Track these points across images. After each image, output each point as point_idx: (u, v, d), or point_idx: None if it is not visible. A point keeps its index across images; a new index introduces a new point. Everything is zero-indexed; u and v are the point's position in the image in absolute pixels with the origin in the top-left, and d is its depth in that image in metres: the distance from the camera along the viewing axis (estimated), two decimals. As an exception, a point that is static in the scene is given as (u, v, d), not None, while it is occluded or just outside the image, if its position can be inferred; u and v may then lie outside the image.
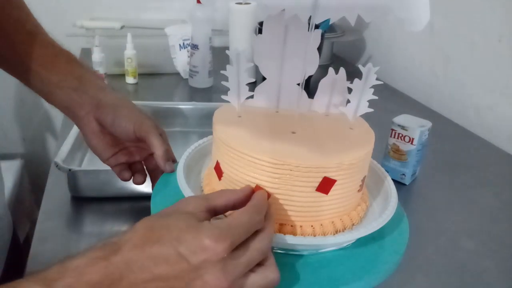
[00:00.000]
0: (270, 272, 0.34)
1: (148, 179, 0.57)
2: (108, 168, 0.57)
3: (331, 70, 0.47)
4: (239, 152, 0.41)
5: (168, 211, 0.35)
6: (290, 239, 0.39)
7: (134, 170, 0.58)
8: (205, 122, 0.91)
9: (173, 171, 0.51)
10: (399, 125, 0.73)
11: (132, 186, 0.65)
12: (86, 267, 0.30)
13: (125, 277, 0.30)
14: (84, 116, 0.53)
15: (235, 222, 0.34)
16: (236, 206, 0.38)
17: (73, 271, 0.29)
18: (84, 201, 0.66)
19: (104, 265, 0.30)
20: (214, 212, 0.37)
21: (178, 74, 1.20)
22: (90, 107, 0.53)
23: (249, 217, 0.35)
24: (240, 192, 0.39)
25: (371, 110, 0.46)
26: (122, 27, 1.22)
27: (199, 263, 0.31)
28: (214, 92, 1.12)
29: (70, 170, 0.63)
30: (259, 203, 0.37)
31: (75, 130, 0.73)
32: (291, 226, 0.42)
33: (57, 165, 0.63)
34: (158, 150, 0.51)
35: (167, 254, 0.31)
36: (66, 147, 0.68)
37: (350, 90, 0.46)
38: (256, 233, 0.35)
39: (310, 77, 0.51)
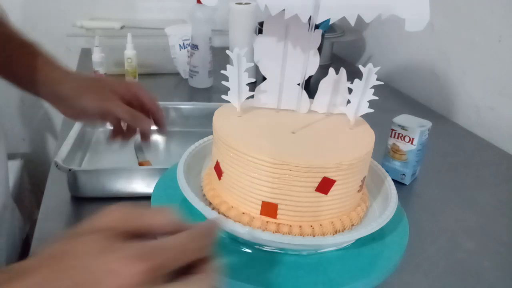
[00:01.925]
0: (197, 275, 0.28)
1: None
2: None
3: (331, 70, 0.47)
4: (239, 152, 0.41)
5: (82, 229, 0.29)
6: (289, 239, 0.39)
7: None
8: (205, 122, 0.91)
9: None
10: (399, 125, 0.73)
11: (132, 186, 0.65)
12: None
13: None
14: (59, 108, 0.57)
15: (162, 244, 0.28)
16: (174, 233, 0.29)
17: None
18: (84, 201, 0.66)
19: None
20: (140, 234, 0.29)
21: (178, 74, 1.20)
22: (56, 101, 0.57)
23: (184, 241, 0.28)
24: (184, 223, 0.30)
25: (371, 110, 0.46)
26: (122, 27, 1.22)
27: None
28: (214, 92, 1.12)
29: (70, 170, 0.63)
30: (204, 229, 0.30)
31: (75, 130, 0.73)
32: (290, 226, 0.42)
33: (57, 165, 0.63)
34: (142, 127, 0.58)
35: (72, 285, 0.26)
36: (66, 147, 0.68)
37: (350, 90, 0.46)
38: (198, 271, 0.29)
39: (310, 77, 0.51)
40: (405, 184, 0.76)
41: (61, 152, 0.67)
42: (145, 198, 0.63)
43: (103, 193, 0.66)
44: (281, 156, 0.39)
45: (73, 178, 0.65)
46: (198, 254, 0.29)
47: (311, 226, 0.42)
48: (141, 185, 0.65)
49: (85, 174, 0.65)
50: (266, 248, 0.42)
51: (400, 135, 0.73)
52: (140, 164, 0.76)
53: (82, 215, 0.65)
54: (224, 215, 0.42)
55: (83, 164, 0.75)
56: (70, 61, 1.30)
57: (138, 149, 0.82)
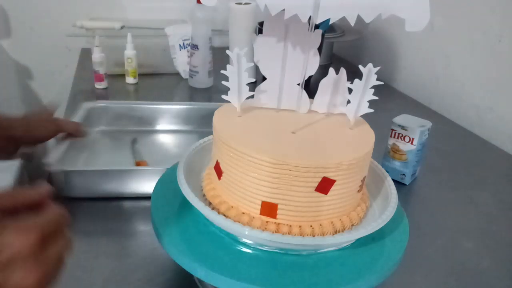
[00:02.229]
0: (61, 239, 0.33)
1: None
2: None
3: (331, 70, 0.47)
4: (238, 152, 0.41)
5: None
6: (289, 239, 0.39)
7: None
8: (205, 122, 0.91)
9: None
10: (399, 125, 0.73)
11: (132, 186, 0.65)
12: None
13: None
14: None
15: (43, 216, 0.32)
16: (30, 206, 0.33)
17: None
18: (82, 201, 0.66)
19: None
20: (12, 211, 0.32)
21: (178, 74, 1.20)
22: None
23: (55, 216, 0.33)
24: (33, 193, 0.34)
25: (371, 110, 0.46)
26: (122, 27, 1.22)
27: (7, 261, 0.28)
28: (214, 92, 1.12)
29: (64, 170, 0.64)
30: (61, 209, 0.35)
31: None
32: (290, 226, 0.42)
33: (51, 166, 0.63)
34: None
35: None
36: (61, 147, 0.69)
37: (350, 90, 0.46)
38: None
39: (310, 77, 0.51)
40: (405, 184, 0.76)
41: (55, 152, 0.67)
42: (145, 198, 0.63)
43: (103, 193, 0.66)
44: (281, 156, 0.39)
45: (67, 179, 0.65)
46: (67, 223, 0.34)
47: (311, 226, 0.42)
48: (141, 185, 0.65)
49: (80, 175, 0.64)
50: (266, 248, 0.42)
51: (400, 135, 0.73)
52: (137, 163, 0.76)
53: (79, 215, 0.65)
54: (224, 215, 0.42)
55: (80, 164, 0.75)
56: (70, 61, 1.30)
57: (135, 149, 0.82)
